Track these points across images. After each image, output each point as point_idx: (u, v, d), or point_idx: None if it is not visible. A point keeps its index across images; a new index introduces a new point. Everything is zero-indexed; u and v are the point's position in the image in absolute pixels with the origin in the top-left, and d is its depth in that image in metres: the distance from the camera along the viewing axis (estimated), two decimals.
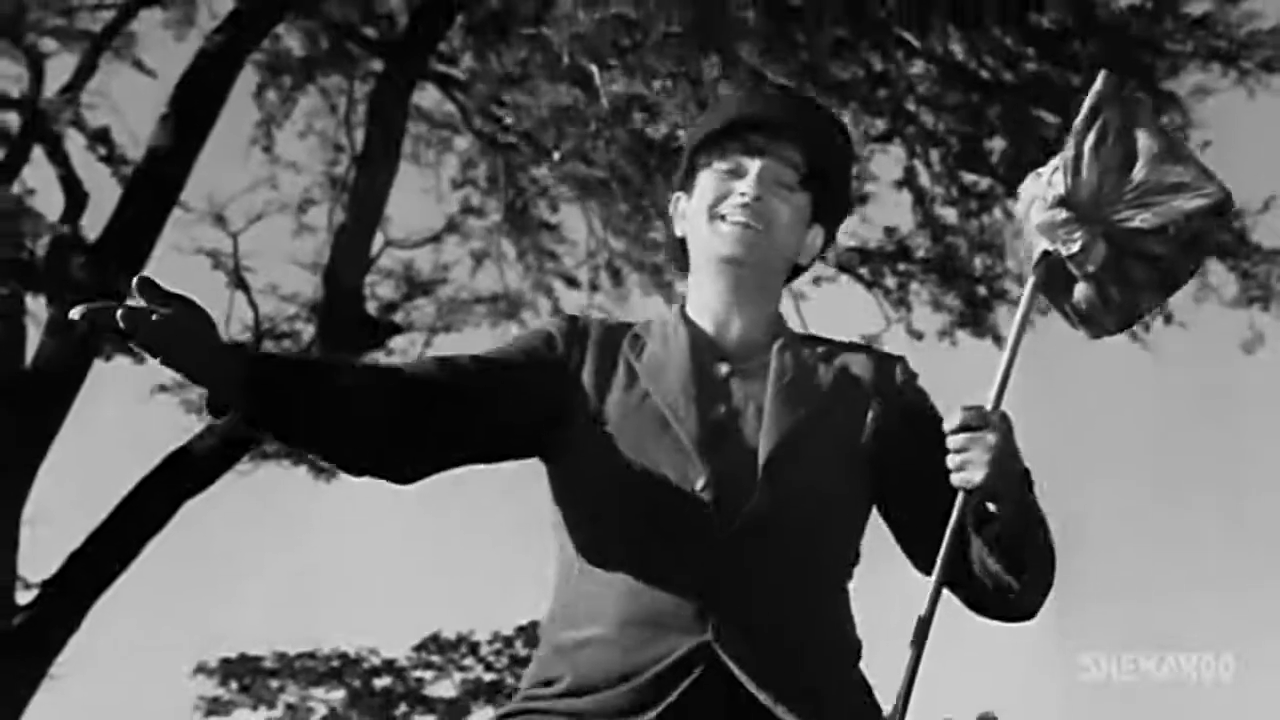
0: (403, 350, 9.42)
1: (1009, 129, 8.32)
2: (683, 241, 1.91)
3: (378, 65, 9.45)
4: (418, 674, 18.60)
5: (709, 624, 1.67)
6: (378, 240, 9.42)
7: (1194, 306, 8.86)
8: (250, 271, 9.50)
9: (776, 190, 1.84)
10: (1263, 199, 8.59)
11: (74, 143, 8.73)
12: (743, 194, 1.83)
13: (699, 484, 1.71)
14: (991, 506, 1.70)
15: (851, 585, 1.84)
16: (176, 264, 8.92)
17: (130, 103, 12.40)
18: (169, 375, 9.21)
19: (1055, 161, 1.78)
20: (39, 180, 8.57)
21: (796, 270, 1.94)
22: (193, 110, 8.48)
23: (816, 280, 9.04)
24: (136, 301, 1.50)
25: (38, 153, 8.57)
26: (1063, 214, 1.76)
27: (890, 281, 9.18)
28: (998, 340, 8.75)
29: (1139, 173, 1.76)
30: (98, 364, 8.48)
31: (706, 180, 1.87)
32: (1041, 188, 1.78)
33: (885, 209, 9.62)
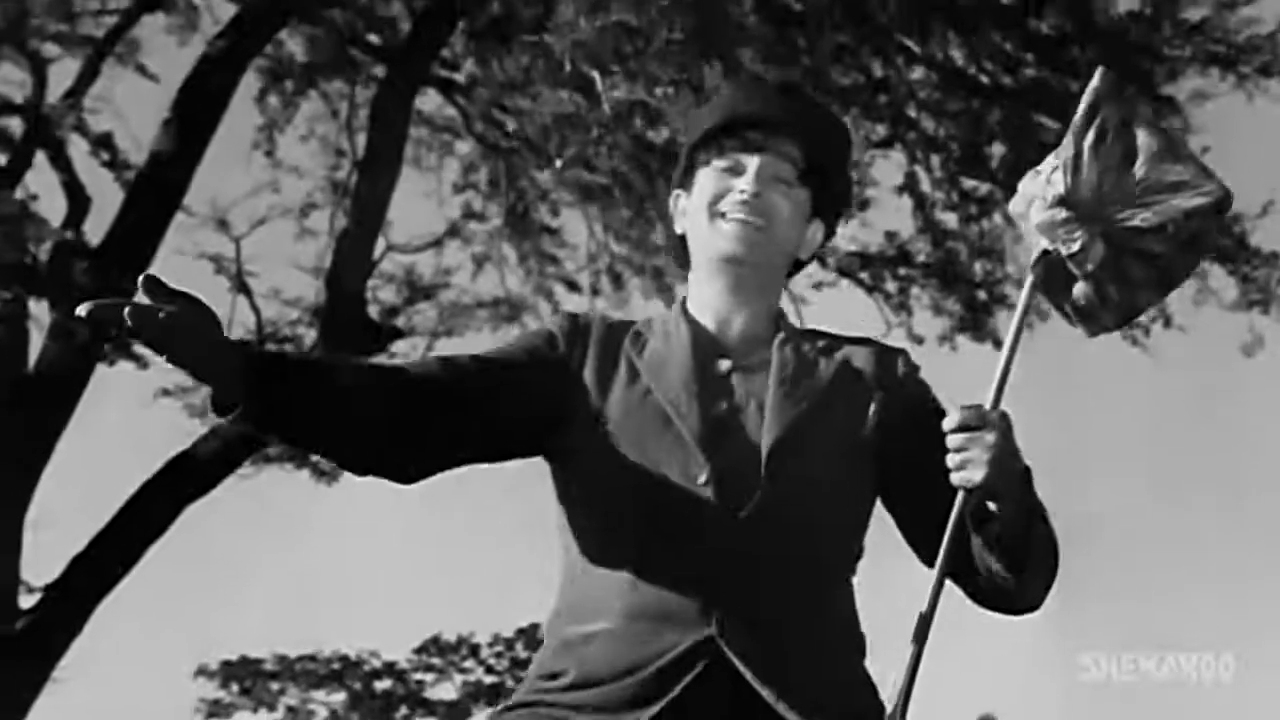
0: (404, 355, 9.44)
1: (1009, 134, 8.34)
2: (683, 239, 1.92)
3: (380, 70, 9.45)
4: (418, 676, 18.59)
5: (713, 619, 1.68)
6: (379, 244, 9.43)
7: (1194, 310, 8.90)
8: (252, 276, 9.54)
9: (776, 186, 1.84)
10: (1261, 203, 8.64)
11: (77, 148, 8.75)
12: (742, 191, 1.83)
13: (701, 479, 1.71)
14: (992, 505, 1.69)
15: (856, 579, 1.84)
16: (179, 268, 8.93)
17: (133, 108, 12.41)
18: (172, 380, 9.27)
19: (1054, 160, 1.78)
20: (42, 185, 8.58)
21: (797, 265, 1.94)
22: (195, 115, 8.49)
23: (817, 285, 9.07)
24: (143, 299, 1.50)
25: (41, 158, 8.58)
26: (1062, 213, 1.75)
27: (891, 286, 9.21)
28: (998, 344, 8.75)
29: (1138, 171, 1.76)
30: (100, 368, 8.49)
31: (705, 178, 1.87)
32: (1040, 186, 1.77)
33: (886, 214, 9.64)
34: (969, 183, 8.84)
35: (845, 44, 8.24)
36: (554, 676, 1.74)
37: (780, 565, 1.71)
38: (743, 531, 1.70)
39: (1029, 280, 1.78)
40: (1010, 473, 1.65)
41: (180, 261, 9.05)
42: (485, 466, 1.84)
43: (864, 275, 9.21)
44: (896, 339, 8.84)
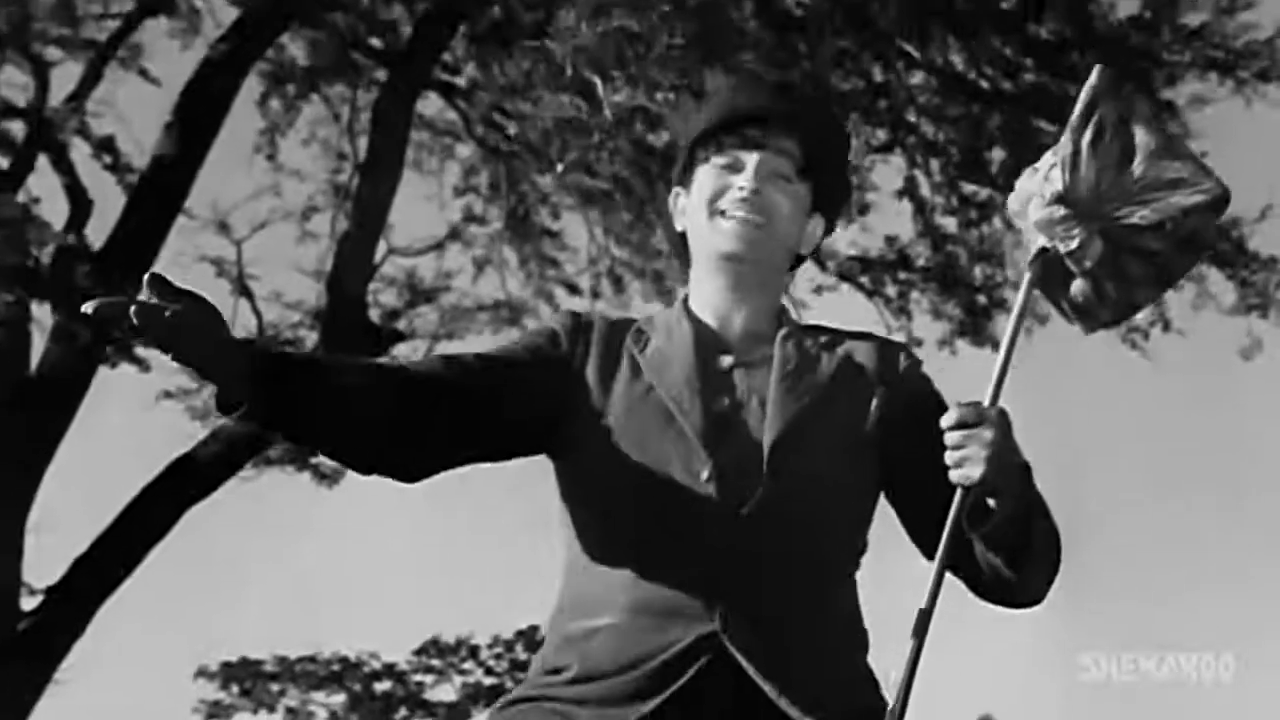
0: (405, 358, 9.44)
1: (1008, 139, 8.35)
2: (683, 236, 1.92)
3: (381, 74, 9.46)
4: (418, 678, 18.62)
5: (716, 614, 1.68)
6: (381, 248, 9.44)
7: (1192, 314, 8.92)
8: (254, 279, 9.55)
9: (775, 182, 1.85)
10: (1260, 207, 8.65)
11: (79, 151, 8.74)
12: (741, 188, 1.83)
13: (704, 476, 1.72)
14: (991, 502, 1.69)
15: (859, 575, 1.84)
16: (180, 272, 8.95)
17: (135, 111, 12.44)
18: (173, 382, 9.30)
19: (1052, 157, 1.78)
20: (44, 188, 8.61)
21: (799, 260, 1.95)
22: (197, 119, 8.49)
23: (818, 289, 9.09)
24: (148, 297, 1.50)
25: (43, 161, 8.57)
26: (1060, 210, 1.75)
27: (891, 290, 9.22)
28: (997, 348, 8.74)
29: (1136, 169, 1.76)
30: (102, 371, 8.51)
31: (704, 176, 1.87)
32: (1038, 184, 1.77)
33: (886, 218, 9.66)
34: (969, 187, 8.85)
35: (846, 49, 8.26)
36: (557, 671, 1.74)
37: (782, 561, 1.72)
38: (745, 527, 1.71)
39: (1027, 277, 1.78)
40: (1009, 469, 1.64)
41: (182, 265, 9.08)
42: (487, 466, 1.85)
43: (864, 279, 9.22)
44: None
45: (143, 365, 8.76)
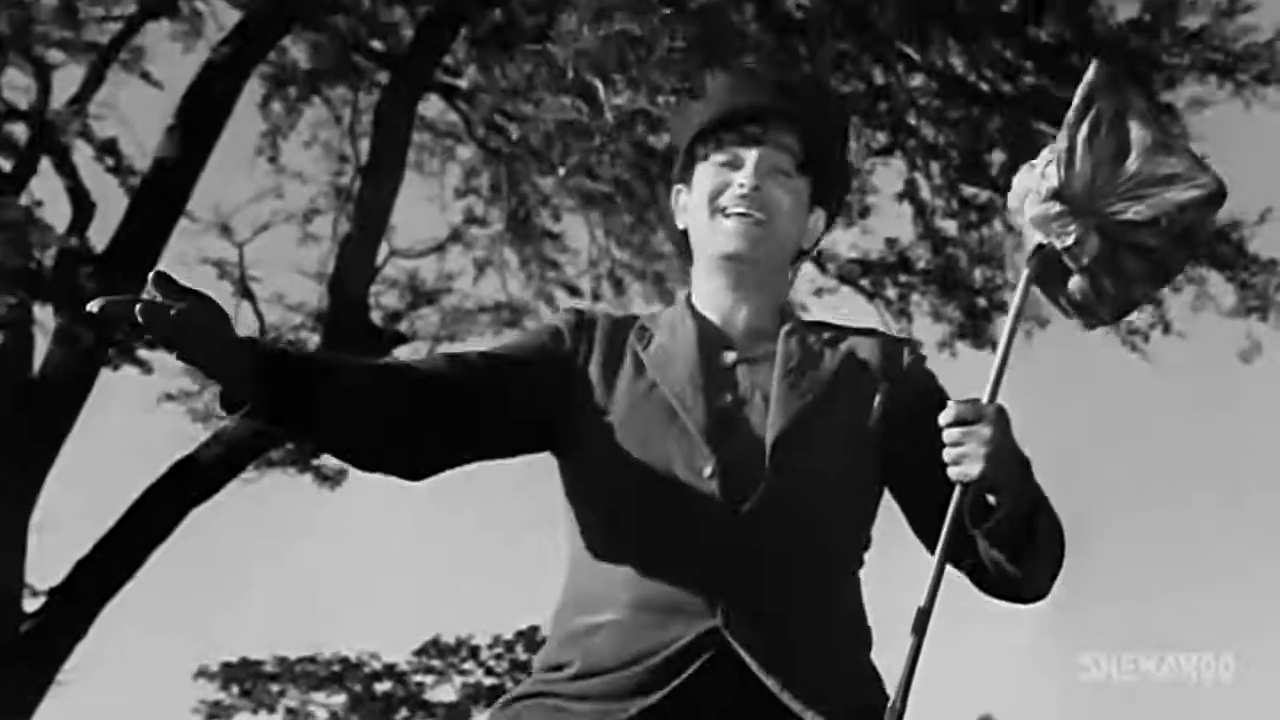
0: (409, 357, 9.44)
1: (1008, 142, 8.37)
2: (685, 234, 1.92)
3: (383, 77, 9.47)
4: (418, 678, 18.63)
5: (719, 610, 1.68)
6: (382, 250, 9.46)
7: (1192, 316, 8.93)
8: (256, 281, 9.57)
9: (775, 178, 1.84)
10: (1260, 210, 8.67)
11: (81, 154, 8.76)
12: (741, 185, 1.83)
13: (706, 472, 1.72)
14: (992, 498, 1.68)
15: (863, 571, 1.83)
16: (183, 274, 8.91)
17: (137, 114, 12.44)
18: (175, 385, 9.32)
19: (1048, 154, 1.77)
20: (47, 191, 8.63)
21: (802, 253, 1.95)
22: (199, 121, 8.50)
23: (818, 291, 9.10)
24: (153, 296, 1.50)
25: (45, 164, 8.59)
26: (1056, 207, 1.74)
27: (891, 293, 9.23)
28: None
29: (1132, 164, 1.74)
30: (105, 373, 8.53)
31: (704, 173, 1.87)
32: (1035, 180, 1.77)
33: (886, 221, 9.66)
34: (969, 190, 8.87)
35: (846, 51, 8.27)
36: (559, 668, 1.74)
37: (785, 557, 1.72)
38: (747, 524, 1.71)
39: (1024, 273, 1.78)
40: (1007, 466, 1.64)
41: (184, 267, 9.09)
42: (491, 464, 1.84)
43: (864, 282, 9.23)
44: None
45: (145, 368, 8.79)
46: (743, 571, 1.70)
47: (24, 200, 8.23)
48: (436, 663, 18.45)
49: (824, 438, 1.76)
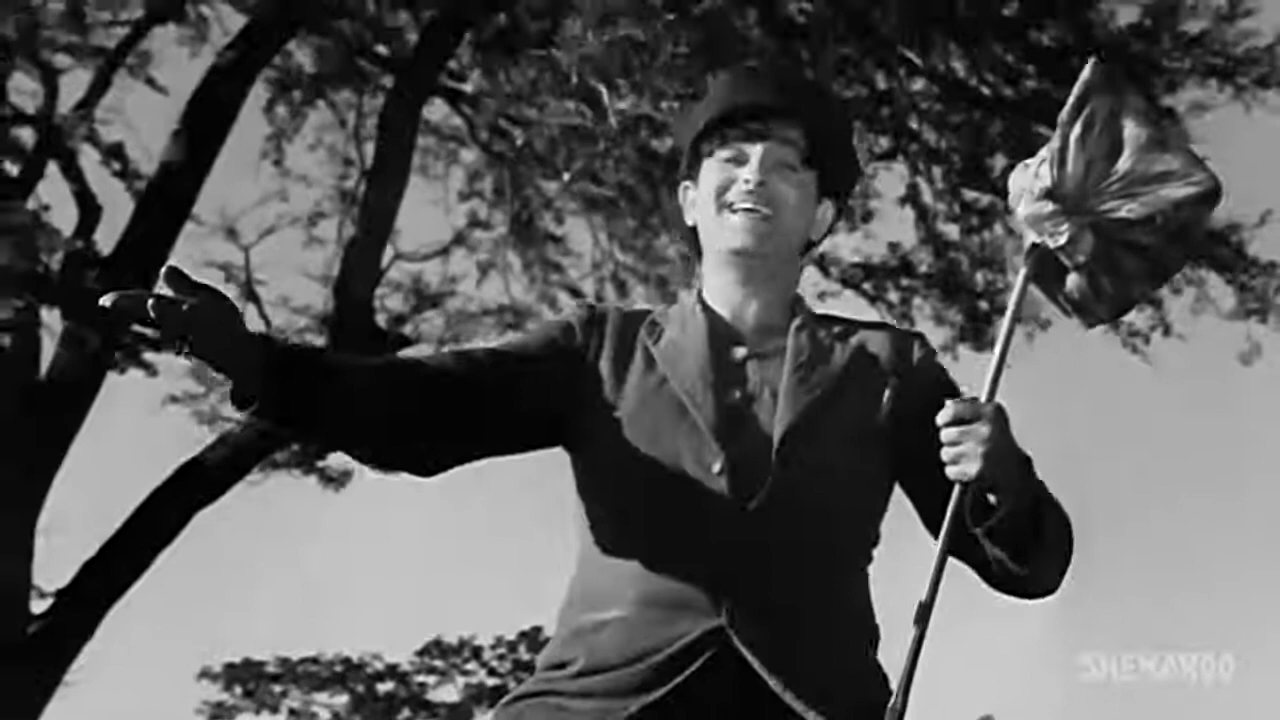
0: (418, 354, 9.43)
1: (1010, 146, 8.38)
2: (694, 230, 1.93)
3: (387, 81, 9.49)
4: (421, 678, 18.65)
5: (723, 608, 1.69)
6: (387, 253, 9.48)
7: (1192, 319, 8.97)
8: (261, 284, 9.57)
9: (780, 172, 1.85)
10: (1260, 213, 8.70)
11: (88, 158, 8.75)
12: (747, 181, 1.83)
13: (715, 468, 1.73)
14: (992, 497, 1.68)
15: (872, 568, 1.83)
16: None
17: (143, 118, 12.46)
18: (181, 387, 9.36)
19: (1043, 153, 1.76)
20: (54, 195, 8.66)
21: (811, 245, 1.95)
22: (205, 125, 8.53)
23: (821, 295, 9.12)
24: (164, 291, 1.50)
25: (52, 168, 8.60)
26: (1049, 206, 1.74)
27: (893, 296, 9.25)
28: None
29: (1125, 162, 1.74)
30: (111, 376, 8.57)
31: (710, 169, 1.87)
32: (1029, 180, 1.76)
33: (888, 225, 9.71)
34: (970, 194, 8.88)
35: (848, 56, 8.29)
36: (562, 665, 1.75)
37: (792, 553, 1.72)
38: (754, 520, 1.71)
39: (1021, 272, 1.78)
40: (1006, 465, 1.64)
41: (190, 270, 9.09)
42: (500, 462, 1.86)
43: (867, 286, 9.24)
44: None
45: (151, 370, 8.83)
46: (750, 567, 1.70)
47: (31, 204, 8.25)
48: (439, 663, 18.47)
49: (833, 433, 1.77)
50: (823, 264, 8.95)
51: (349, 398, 1.67)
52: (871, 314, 9.07)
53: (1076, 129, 1.74)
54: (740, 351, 1.84)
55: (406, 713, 18.43)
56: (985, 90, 8.53)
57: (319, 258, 9.86)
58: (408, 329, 9.73)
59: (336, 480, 9.95)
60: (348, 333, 8.75)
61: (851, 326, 1.90)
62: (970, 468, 1.63)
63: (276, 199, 9.70)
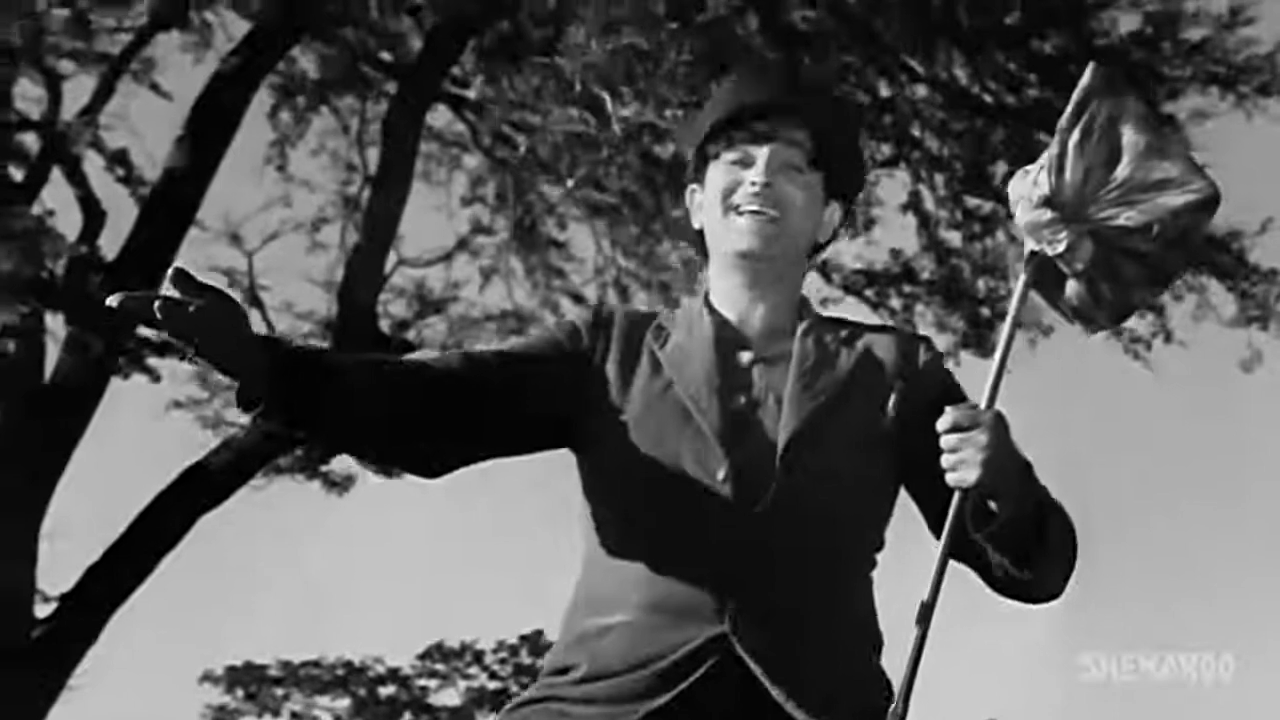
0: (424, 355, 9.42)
1: (1012, 153, 8.40)
2: (701, 233, 1.91)
3: (391, 87, 9.51)
4: (422, 682, 18.64)
5: (727, 614, 1.68)
6: (390, 258, 9.50)
7: (1193, 325, 8.99)
8: (265, 289, 9.61)
9: (787, 174, 1.84)
10: (1260, 220, 8.73)
11: (92, 164, 8.78)
12: (753, 183, 1.82)
13: (719, 474, 1.72)
14: (993, 504, 1.68)
15: (876, 573, 1.83)
16: None
17: (147, 124, 12.47)
18: (184, 392, 9.38)
19: (1042, 159, 1.75)
20: (58, 201, 8.64)
21: (819, 247, 1.94)
22: (208, 131, 8.55)
23: (823, 302, 9.14)
24: (171, 292, 1.49)
25: (57, 174, 8.63)
26: (1047, 214, 1.73)
27: (895, 303, 9.27)
28: None
29: (1123, 170, 1.73)
30: (115, 381, 8.59)
31: (716, 172, 1.86)
32: (1027, 187, 1.75)
33: (891, 232, 9.71)
34: (972, 201, 8.91)
35: (851, 64, 8.32)
36: (564, 671, 1.74)
37: (796, 558, 1.71)
38: (758, 525, 1.70)
39: (1021, 279, 1.77)
40: (1005, 472, 1.63)
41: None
42: (505, 464, 1.86)
43: (869, 292, 9.27)
44: None
45: (154, 375, 8.86)
46: (753, 572, 1.70)
47: (36, 209, 8.28)
48: (440, 667, 18.47)
49: (837, 438, 1.76)
50: (825, 270, 8.98)
51: (350, 397, 1.67)
52: (874, 320, 9.10)
53: (1075, 135, 1.73)
54: (746, 356, 1.83)
55: (408, 716, 18.43)
56: (987, 98, 8.56)
57: (322, 263, 9.88)
58: (411, 334, 9.76)
59: (340, 485, 9.98)
60: (351, 338, 8.77)
61: (857, 330, 1.89)
62: (969, 475, 1.62)
63: (280, 204, 9.75)
